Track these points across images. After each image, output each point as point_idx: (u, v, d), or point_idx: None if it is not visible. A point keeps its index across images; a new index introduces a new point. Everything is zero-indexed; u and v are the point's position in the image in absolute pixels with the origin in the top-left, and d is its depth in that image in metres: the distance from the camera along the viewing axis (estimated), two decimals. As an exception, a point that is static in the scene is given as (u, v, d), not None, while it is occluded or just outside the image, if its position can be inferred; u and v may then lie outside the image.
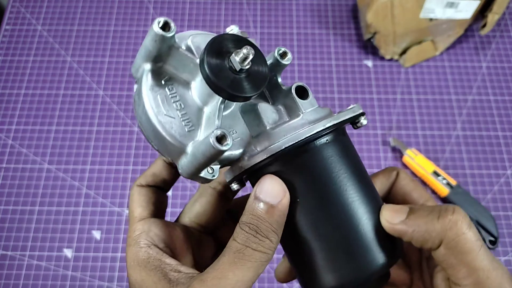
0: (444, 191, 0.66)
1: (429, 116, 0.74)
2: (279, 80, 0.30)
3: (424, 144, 0.72)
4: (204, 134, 0.26)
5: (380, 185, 0.32)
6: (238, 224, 0.26)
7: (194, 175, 0.27)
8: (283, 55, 0.29)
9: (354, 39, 0.81)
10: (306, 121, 0.27)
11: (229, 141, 0.23)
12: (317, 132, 0.26)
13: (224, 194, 0.35)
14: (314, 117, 0.27)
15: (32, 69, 0.77)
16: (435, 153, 0.71)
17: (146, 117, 0.26)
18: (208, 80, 0.25)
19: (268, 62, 0.29)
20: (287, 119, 0.29)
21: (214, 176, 0.27)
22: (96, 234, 0.65)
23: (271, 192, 0.25)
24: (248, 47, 0.24)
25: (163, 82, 0.27)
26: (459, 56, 0.80)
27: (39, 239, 0.65)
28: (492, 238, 0.64)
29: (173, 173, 0.34)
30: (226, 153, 0.27)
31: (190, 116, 0.27)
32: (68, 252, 0.64)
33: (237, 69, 0.25)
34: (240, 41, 0.26)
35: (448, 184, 0.66)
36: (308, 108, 0.28)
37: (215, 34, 0.28)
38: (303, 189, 0.26)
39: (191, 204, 0.35)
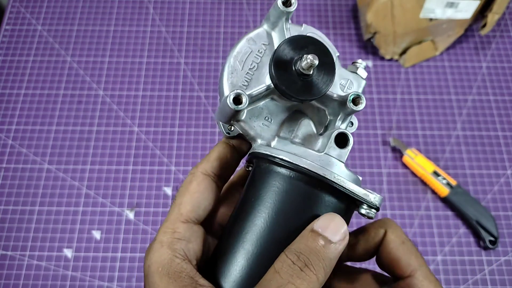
0: (444, 191, 0.66)
1: (429, 116, 0.74)
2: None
3: (424, 144, 0.72)
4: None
5: (364, 244, 0.30)
6: (284, 252, 0.24)
7: (218, 121, 0.31)
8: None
9: (354, 39, 0.81)
10: (324, 163, 0.27)
11: (243, 103, 0.26)
12: (327, 179, 0.26)
13: (216, 183, 0.31)
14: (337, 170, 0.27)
15: (32, 69, 0.77)
16: (435, 153, 0.71)
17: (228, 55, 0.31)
18: (271, 77, 0.27)
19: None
20: (311, 148, 0.29)
21: (229, 133, 0.30)
22: (96, 234, 0.65)
23: (335, 229, 0.25)
24: (311, 57, 0.25)
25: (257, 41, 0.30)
26: (459, 56, 0.80)
27: (39, 239, 0.65)
28: (492, 238, 0.64)
29: (237, 158, 0.32)
30: (245, 126, 0.29)
31: (253, 78, 0.30)
32: (68, 252, 0.64)
33: (301, 74, 0.27)
34: (311, 45, 0.27)
35: (448, 184, 0.66)
36: (339, 157, 0.28)
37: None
38: (266, 201, 0.27)
39: (190, 196, 0.31)
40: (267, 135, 0.30)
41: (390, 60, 0.79)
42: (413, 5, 0.71)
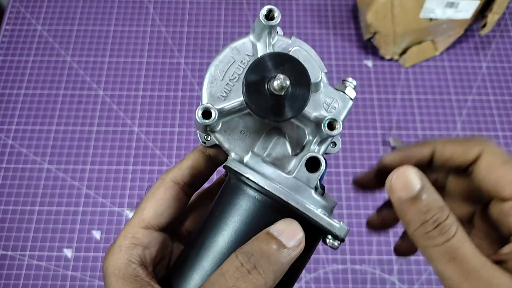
0: (444, 191, 0.66)
1: (429, 116, 0.74)
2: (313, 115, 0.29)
3: (424, 144, 0.72)
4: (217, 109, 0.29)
5: (452, 159, 0.29)
6: (235, 252, 0.24)
7: (196, 129, 0.31)
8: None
9: (354, 39, 0.81)
10: (292, 187, 0.26)
11: (211, 118, 0.26)
12: (290, 205, 0.25)
13: (185, 191, 0.31)
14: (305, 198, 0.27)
15: (32, 69, 0.77)
16: (435, 153, 0.71)
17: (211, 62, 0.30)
18: (242, 93, 0.27)
19: None
20: (282, 169, 0.28)
21: (205, 143, 0.30)
22: (96, 234, 0.65)
23: (291, 235, 0.24)
24: (282, 78, 0.24)
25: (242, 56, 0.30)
26: (459, 56, 0.80)
27: (39, 239, 0.65)
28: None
29: (211, 167, 0.31)
30: (220, 138, 0.29)
31: (232, 90, 0.29)
32: (68, 252, 0.64)
33: (273, 94, 0.25)
34: (288, 63, 0.26)
35: (448, 184, 0.66)
36: (307, 182, 0.27)
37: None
38: (229, 219, 0.27)
39: (155, 202, 0.30)
40: (241, 149, 0.29)
41: (390, 60, 0.79)
42: (413, 5, 0.71)
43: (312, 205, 0.26)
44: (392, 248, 0.65)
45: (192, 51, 0.79)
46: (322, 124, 0.27)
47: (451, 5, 0.72)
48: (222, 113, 0.28)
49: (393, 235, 0.65)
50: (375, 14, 0.73)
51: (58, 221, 0.66)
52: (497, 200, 0.27)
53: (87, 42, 0.80)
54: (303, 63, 0.27)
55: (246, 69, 0.28)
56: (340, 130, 0.26)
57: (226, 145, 0.29)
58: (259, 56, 0.29)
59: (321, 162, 0.27)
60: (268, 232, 0.24)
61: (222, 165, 0.30)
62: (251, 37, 0.29)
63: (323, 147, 0.29)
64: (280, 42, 0.30)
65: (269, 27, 0.28)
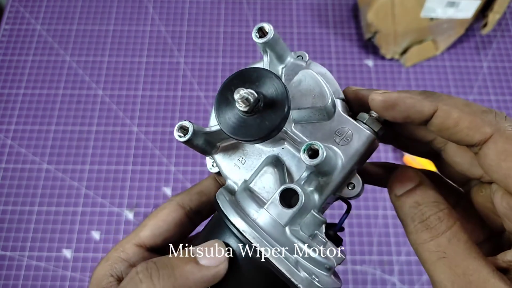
0: (445, 191, 0.66)
1: (430, 116, 0.74)
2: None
3: (424, 144, 0.72)
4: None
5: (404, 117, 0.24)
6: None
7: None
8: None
9: (355, 39, 0.80)
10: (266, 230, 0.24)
11: (187, 134, 0.25)
12: (251, 244, 0.23)
13: (190, 217, 0.30)
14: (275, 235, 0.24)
15: (32, 69, 0.77)
16: (435, 153, 0.71)
17: None
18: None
19: None
20: (261, 207, 0.25)
21: (211, 168, 0.29)
22: (95, 235, 0.65)
23: (208, 254, 0.24)
24: (242, 91, 0.22)
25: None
26: (460, 55, 0.79)
27: (38, 239, 0.64)
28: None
29: None
30: (218, 162, 0.28)
31: None
32: (67, 253, 0.64)
33: (240, 110, 0.23)
34: (265, 79, 0.23)
35: (449, 184, 0.66)
36: (277, 216, 0.24)
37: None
38: None
39: (155, 222, 0.30)
40: (235, 177, 0.27)
41: (391, 59, 0.79)
42: (414, 5, 0.71)
43: (271, 246, 0.23)
44: (392, 248, 0.65)
45: (192, 50, 0.79)
46: (300, 151, 0.23)
47: (452, 4, 0.72)
48: (204, 133, 0.26)
49: (393, 235, 0.65)
50: (375, 14, 0.72)
51: (58, 221, 0.66)
52: (504, 191, 0.23)
53: (87, 42, 0.79)
54: (309, 87, 0.25)
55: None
56: (320, 160, 0.22)
57: (223, 171, 0.28)
58: None
59: (299, 196, 0.23)
60: (187, 248, 0.24)
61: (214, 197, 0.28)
62: (265, 57, 0.27)
63: (312, 184, 0.25)
64: (293, 66, 0.27)
65: (261, 45, 0.26)
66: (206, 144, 0.27)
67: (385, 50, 0.77)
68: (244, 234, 0.23)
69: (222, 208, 0.25)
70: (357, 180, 0.26)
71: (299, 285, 0.23)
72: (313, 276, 0.24)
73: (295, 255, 0.24)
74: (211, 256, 0.24)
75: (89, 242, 0.65)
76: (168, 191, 0.68)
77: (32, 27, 0.81)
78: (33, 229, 0.65)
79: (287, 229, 0.24)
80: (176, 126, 0.25)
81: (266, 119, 0.23)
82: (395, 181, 0.25)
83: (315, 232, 0.26)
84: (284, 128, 0.25)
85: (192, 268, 0.23)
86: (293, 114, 0.26)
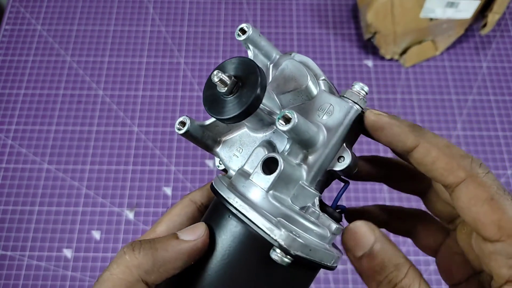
0: (444, 191, 0.66)
1: (429, 116, 0.74)
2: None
3: (424, 144, 0.72)
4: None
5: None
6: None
7: None
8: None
9: (354, 39, 0.81)
10: (255, 204, 0.25)
11: (185, 127, 0.28)
12: (229, 203, 0.25)
13: (202, 212, 0.32)
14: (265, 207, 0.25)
15: (32, 69, 0.77)
16: (435, 153, 0.71)
17: None
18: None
19: None
20: (247, 179, 0.26)
21: (218, 166, 0.31)
22: (96, 234, 0.65)
23: (189, 229, 0.26)
24: (215, 73, 0.24)
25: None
26: (459, 56, 0.80)
27: (38, 239, 0.65)
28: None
29: None
30: (220, 156, 0.30)
31: None
32: (68, 252, 0.64)
33: (220, 93, 0.25)
34: (240, 65, 0.26)
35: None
36: (261, 182, 0.25)
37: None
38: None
39: (170, 217, 0.32)
40: (234, 166, 0.30)
41: (391, 60, 0.79)
42: (413, 5, 0.71)
43: (252, 208, 0.24)
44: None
45: (192, 51, 0.79)
46: (276, 119, 0.24)
47: (451, 5, 0.72)
48: (202, 126, 0.29)
49: (393, 236, 0.65)
50: (375, 14, 0.73)
51: (58, 221, 0.66)
52: (476, 234, 0.25)
53: (87, 42, 0.80)
54: (290, 73, 0.27)
55: None
56: (291, 126, 0.24)
57: (225, 162, 0.30)
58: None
59: (279, 162, 0.24)
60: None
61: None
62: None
63: (299, 156, 0.27)
64: (280, 60, 0.29)
65: (243, 42, 0.28)
66: (207, 138, 0.30)
67: (385, 51, 0.77)
68: (228, 199, 0.25)
69: (213, 184, 0.27)
70: (346, 153, 0.27)
71: (277, 240, 0.23)
72: (295, 234, 0.23)
73: (279, 218, 0.25)
74: (191, 231, 0.26)
75: (89, 242, 0.65)
76: (168, 191, 0.68)
77: (32, 27, 0.81)
78: (33, 229, 0.65)
79: (269, 194, 0.25)
80: (177, 121, 0.28)
81: (243, 98, 0.24)
82: (349, 242, 0.24)
83: (308, 205, 0.26)
84: (273, 112, 0.27)
85: (172, 242, 0.25)
86: (281, 99, 0.28)
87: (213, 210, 0.28)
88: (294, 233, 0.23)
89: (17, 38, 0.80)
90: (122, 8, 0.83)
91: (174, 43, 0.80)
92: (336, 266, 0.26)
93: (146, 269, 0.25)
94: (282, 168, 0.24)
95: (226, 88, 0.24)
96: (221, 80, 0.24)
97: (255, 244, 0.24)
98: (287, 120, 0.24)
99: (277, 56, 0.30)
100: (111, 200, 0.67)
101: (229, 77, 0.25)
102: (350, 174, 0.28)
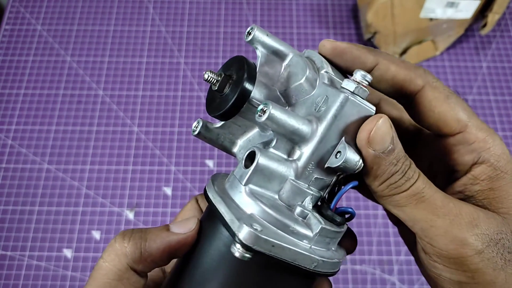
0: (444, 191, 0.66)
1: (429, 116, 0.74)
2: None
3: (424, 144, 0.72)
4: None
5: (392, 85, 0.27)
6: None
7: None
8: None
9: (354, 39, 0.81)
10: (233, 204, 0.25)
11: (197, 129, 0.29)
12: (208, 197, 0.26)
13: None
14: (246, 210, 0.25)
15: (32, 69, 0.77)
16: (435, 153, 0.71)
17: None
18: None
19: None
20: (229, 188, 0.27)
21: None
22: (96, 234, 0.65)
23: (181, 222, 0.27)
24: (204, 72, 0.26)
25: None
26: (459, 56, 0.80)
27: (38, 239, 0.65)
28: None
29: None
30: (238, 154, 0.31)
31: None
32: (68, 252, 0.64)
33: (214, 91, 0.26)
34: (235, 63, 0.26)
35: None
36: (240, 177, 0.26)
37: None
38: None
39: (183, 214, 0.33)
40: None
41: (390, 60, 0.79)
42: (413, 5, 0.71)
43: (223, 201, 0.24)
44: (392, 248, 0.65)
45: (192, 51, 0.79)
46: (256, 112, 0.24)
47: (451, 5, 0.72)
48: (215, 128, 0.30)
49: (393, 235, 0.65)
50: (375, 14, 0.73)
51: (58, 221, 0.66)
52: (439, 136, 0.28)
53: (87, 42, 0.80)
54: (294, 68, 0.27)
55: None
56: (266, 117, 0.23)
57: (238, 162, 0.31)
58: None
59: (256, 156, 0.24)
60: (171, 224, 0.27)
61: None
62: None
63: (285, 149, 0.26)
64: (295, 61, 0.28)
65: (250, 43, 0.28)
66: (224, 139, 0.30)
67: (385, 50, 0.77)
68: (208, 193, 0.26)
69: (206, 187, 0.28)
70: (343, 147, 0.24)
71: (236, 232, 0.22)
72: (258, 229, 0.22)
73: (251, 213, 0.24)
74: (182, 225, 0.27)
75: (89, 242, 0.65)
76: (168, 191, 0.68)
77: (32, 27, 0.81)
78: (33, 229, 0.65)
79: (246, 188, 0.25)
80: (194, 124, 0.30)
81: (232, 93, 0.25)
82: (376, 138, 0.24)
83: (297, 203, 0.25)
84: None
85: (162, 233, 0.26)
86: (286, 95, 0.28)
87: (207, 207, 0.29)
88: (258, 228, 0.22)
89: (17, 38, 0.80)
90: (122, 8, 0.83)
91: (174, 43, 0.80)
92: (325, 273, 0.25)
93: (134, 258, 0.25)
94: (257, 161, 0.24)
95: (217, 87, 0.26)
96: (210, 79, 0.25)
97: (222, 238, 0.24)
98: (263, 111, 0.24)
99: (291, 55, 0.28)
100: (111, 200, 0.67)
101: (219, 75, 0.26)
102: (352, 171, 0.25)
